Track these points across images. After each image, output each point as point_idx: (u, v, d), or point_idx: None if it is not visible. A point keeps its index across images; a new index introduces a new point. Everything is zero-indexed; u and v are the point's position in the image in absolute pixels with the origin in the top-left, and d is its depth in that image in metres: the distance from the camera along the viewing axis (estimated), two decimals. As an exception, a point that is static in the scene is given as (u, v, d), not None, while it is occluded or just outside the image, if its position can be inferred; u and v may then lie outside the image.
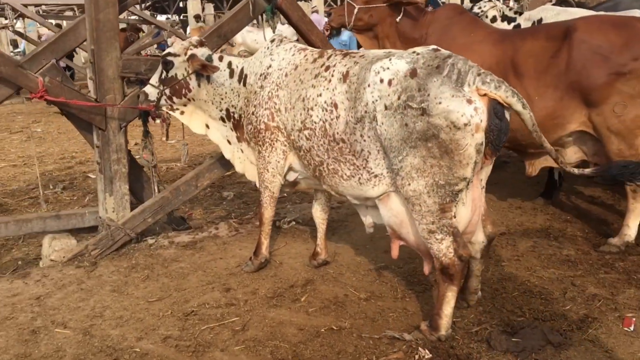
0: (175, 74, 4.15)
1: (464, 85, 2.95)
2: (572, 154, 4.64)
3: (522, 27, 5.70)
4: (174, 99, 4.23)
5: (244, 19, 4.89)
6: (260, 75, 4.00)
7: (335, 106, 3.40)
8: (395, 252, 3.51)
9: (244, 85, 4.13)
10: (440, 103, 2.94)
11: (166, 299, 3.97)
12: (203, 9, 29.12)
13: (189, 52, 4.11)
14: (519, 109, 3.08)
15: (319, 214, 4.43)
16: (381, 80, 3.15)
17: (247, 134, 4.12)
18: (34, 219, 4.64)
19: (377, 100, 3.16)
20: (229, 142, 4.41)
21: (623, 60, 4.07)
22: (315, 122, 3.53)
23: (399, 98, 3.06)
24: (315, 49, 4.02)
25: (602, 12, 5.33)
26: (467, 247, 3.24)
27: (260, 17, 5.11)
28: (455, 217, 3.16)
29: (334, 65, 3.54)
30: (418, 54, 3.15)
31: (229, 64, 4.21)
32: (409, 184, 3.11)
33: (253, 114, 4.01)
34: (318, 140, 3.55)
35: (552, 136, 4.42)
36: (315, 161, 3.66)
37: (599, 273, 4.15)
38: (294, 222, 5.33)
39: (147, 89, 4.26)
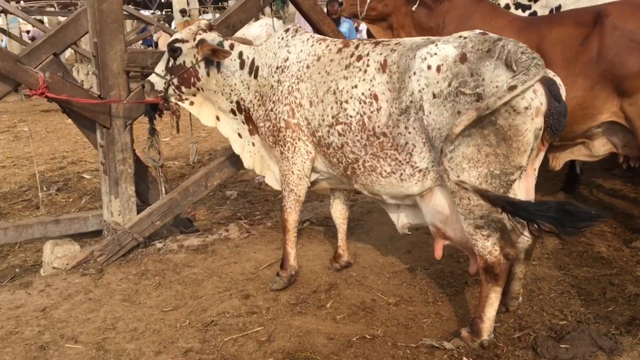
0: (184, 62, 3.88)
1: (514, 66, 2.75)
2: (601, 145, 4.43)
3: (539, 14, 5.49)
4: (183, 88, 3.96)
5: (253, 9, 4.64)
6: (277, 69, 3.73)
7: (376, 97, 3.16)
8: (439, 253, 3.28)
9: (255, 77, 3.85)
10: (497, 87, 2.73)
11: (182, 307, 3.72)
12: (188, 3, 28.76)
13: (198, 37, 3.85)
14: (519, 81, 2.70)
15: (338, 213, 4.20)
16: (429, 67, 2.93)
17: (265, 133, 3.83)
18: (35, 224, 4.35)
19: (424, 89, 2.94)
20: (239, 135, 4.14)
21: None
22: (351, 116, 3.27)
23: (449, 85, 2.86)
24: (336, 39, 3.78)
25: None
26: (514, 245, 3.03)
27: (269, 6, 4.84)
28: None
29: (367, 55, 3.29)
30: (465, 37, 2.95)
31: (240, 54, 3.90)
32: (459, 176, 2.89)
33: (272, 110, 3.73)
34: (354, 136, 3.29)
35: (581, 127, 4.23)
36: (349, 159, 3.40)
37: (635, 271, 3.97)
38: (308, 222, 5.09)
39: (153, 78, 3.98)
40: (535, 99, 2.73)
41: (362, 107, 3.22)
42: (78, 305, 3.80)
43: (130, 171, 4.40)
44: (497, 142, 2.79)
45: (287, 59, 3.70)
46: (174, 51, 3.87)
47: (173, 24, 24.05)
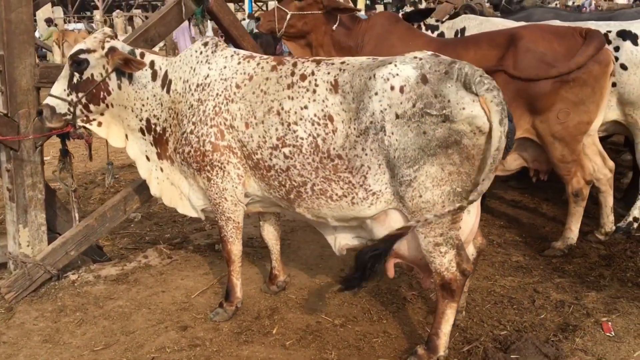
0: (92, 75, 3.50)
1: (472, 88, 2.83)
2: (512, 160, 4.70)
3: (446, 35, 5.75)
4: (91, 106, 3.56)
5: (173, 22, 4.40)
6: (197, 86, 3.48)
7: (331, 119, 3.07)
8: (392, 272, 3.26)
9: (167, 92, 3.57)
10: (464, 109, 2.80)
11: (114, 345, 3.42)
12: (53, 12, 27.12)
13: (107, 45, 3.50)
14: (494, 121, 2.82)
15: (271, 235, 4.06)
16: (392, 88, 2.91)
17: (185, 159, 3.53)
18: None
19: (386, 109, 2.91)
20: (147, 158, 3.79)
21: (567, 69, 4.17)
22: (302, 138, 3.14)
23: (413, 106, 2.86)
24: (264, 56, 3.64)
25: (522, 22, 5.51)
26: (469, 261, 3.11)
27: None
28: (460, 229, 3.02)
29: (312, 74, 3.20)
30: (421, 59, 2.97)
31: (152, 64, 3.60)
32: (421, 196, 2.91)
33: (192, 133, 3.45)
34: (304, 159, 3.16)
35: (498, 144, 4.46)
36: (295, 182, 3.24)
37: (554, 278, 4.23)
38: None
39: (51, 101, 3.51)
40: None
41: (316, 128, 3.11)
42: (-10, 351, 3.37)
43: (40, 197, 3.98)
44: (461, 161, 2.86)
45: (208, 75, 3.48)
46: (79, 64, 3.48)
47: (37, 34, 22.48)
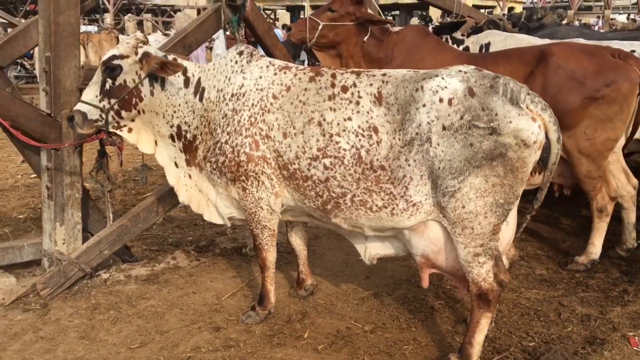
0: (124, 81, 3.47)
1: (519, 104, 2.95)
2: (538, 175, 4.76)
3: (471, 50, 5.84)
4: (123, 112, 3.53)
5: (210, 29, 4.52)
6: (232, 96, 3.50)
7: (376, 130, 3.12)
8: (426, 282, 3.32)
9: (200, 100, 3.60)
10: (510, 122, 2.90)
11: (150, 344, 3.49)
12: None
13: (140, 51, 3.49)
14: (553, 139, 3.08)
15: (299, 240, 4.11)
16: (440, 100, 2.98)
17: (218, 168, 3.56)
18: (-36, 255, 3.88)
19: (433, 121, 2.98)
20: (176, 165, 3.77)
21: (596, 86, 4.25)
22: (345, 150, 3.18)
23: (461, 118, 2.94)
24: (300, 66, 3.71)
25: (546, 39, 5.60)
26: (506, 272, 3.18)
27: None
28: (499, 240, 3.09)
29: (354, 85, 3.26)
30: (466, 72, 3.05)
31: (185, 70, 3.58)
32: (464, 207, 2.98)
33: (226, 143, 3.47)
34: (345, 170, 3.19)
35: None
36: (333, 193, 3.28)
37: (578, 292, 4.28)
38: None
39: (83, 107, 3.48)
40: (540, 134, 2.95)
41: (360, 140, 3.15)
42: (29, 345, 3.43)
43: (77, 196, 4.07)
44: (505, 173, 2.94)
45: (243, 85, 3.50)
46: (112, 70, 3.44)
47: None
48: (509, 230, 3.24)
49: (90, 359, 3.31)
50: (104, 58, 3.49)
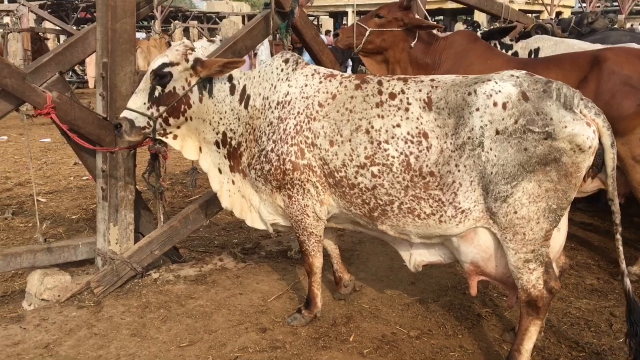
0: (174, 88, 3.48)
1: (573, 109, 2.93)
2: (590, 182, 4.66)
3: (520, 55, 5.77)
4: (170, 120, 3.53)
5: (259, 36, 4.58)
6: (278, 104, 3.53)
7: (425, 136, 3.12)
8: (475, 290, 3.30)
9: (245, 107, 3.63)
10: (565, 127, 2.87)
11: (199, 343, 3.56)
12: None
13: (191, 58, 3.51)
14: (607, 144, 3.04)
15: (328, 241, 4.08)
16: (494, 104, 2.96)
17: (263, 175, 3.58)
18: (24, 252, 4.04)
19: (486, 125, 2.96)
20: (220, 171, 3.80)
21: None
22: (394, 157, 3.17)
23: (515, 122, 2.92)
24: (346, 74, 3.71)
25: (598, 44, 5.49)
26: (557, 279, 3.13)
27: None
28: (550, 246, 3.06)
29: (402, 92, 3.26)
30: (518, 77, 3.04)
31: (230, 77, 3.62)
32: (516, 212, 2.96)
33: (272, 151, 3.48)
34: (394, 177, 3.18)
35: (576, 165, 4.45)
36: (380, 201, 3.27)
37: (630, 302, 4.16)
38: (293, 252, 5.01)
39: (129, 114, 3.48)
40: (595, 139, 2.92)
41: (409, 146, 3.15)
42: (83, 341, 3.55)
43: (131, 197, 4.19)
44: (559, 179, 2.91)
45: (288, 93, 3.53)
46: (162, 77, 3.45)
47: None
48: (560, 236, 3.20)
49: (141, 355, 3.41)
50: (154, 66, 3.49)
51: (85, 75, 19.78)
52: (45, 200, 7.32)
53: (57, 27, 16.79)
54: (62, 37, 21.95)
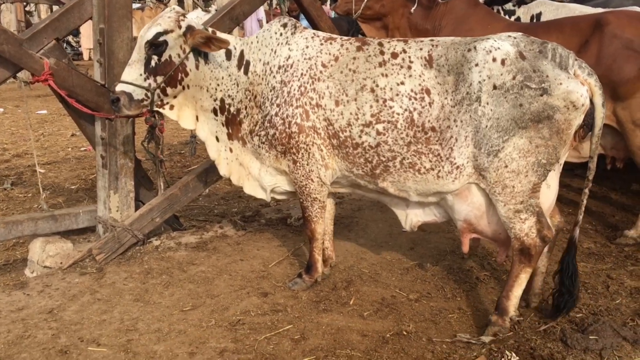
0: (170, 57, 3.38)
1: (567, 68, 3.02)
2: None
3: (522, 20, 5.74)
4: (168, 90, 3.44)
5: (257, 1, 4.54)
6: (279, 68, 3.51)
7: (428, 92, 3.19)
8: (467, 247, 3.39)
9: (245, 73, 3.59)
10: (561, 84, 2.96)
11: (201, 307, 3.60)
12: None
13: (184, 24, 3.40)
14: (598, 103, 3.11)
15: (328, 214, 3.99)
16: (494, 60, 3.05)
17: (269, 141, 3.57)
18: (25, 220, 4.05)
19: (484, 80, 3.05)
20: (217, 139, 3.77)
21: None
22: (399, 114, 3.23)
23: (513, 78, 3.01)
24: (345, 37, 3.71)
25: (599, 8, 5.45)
26: (550, 227, 3.21)
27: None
28: (539, 198, 3.16)
29: (404, 52, 3.30)
30: (515, 38, 3.12)
31: None
32: (507, 166, 3.06)
33: (277, 115, 3.48)
34: (398, 134, 3.24)
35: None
36: (383, 157, 3.33)
37: (627, 265, 4.23)
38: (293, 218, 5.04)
39: (126, 87, 3.34)
40: (587, 98, 3.01)
41: (412, 103, 3.21)
42: (87, 306, 3.59)
43: (130, 165, 4.20)
44: (550, 135, 3.00)
45: (289, 57, 3.51)
46: (158, 46, 3.34)
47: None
48: (550, 193, 3.30)
49: (145, 319, 3.45)
50: (148, 35, 3.36)
51: (80, 47, 19.60)
52: (44, 171, 7.32)
53: (51, -3, 16.57)
54: (55, 9, 21.70)
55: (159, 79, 3.41)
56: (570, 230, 3.37)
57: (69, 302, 3.63)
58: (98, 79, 3.98)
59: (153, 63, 3.39)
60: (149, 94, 3.41)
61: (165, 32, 3.37)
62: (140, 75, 3.38)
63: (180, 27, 3.42)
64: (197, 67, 3.53)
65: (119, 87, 3.37)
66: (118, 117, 3.98)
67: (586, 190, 3.28)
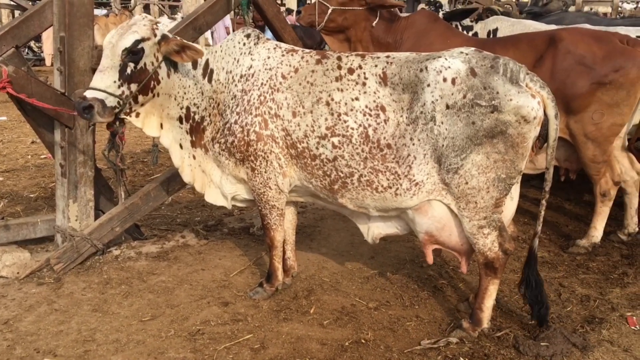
0: (144, 65, 3.36)
1: (519, 82, 3.08)
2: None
3: (479, 35, 5.88)
4: (140, 97, 3.41)
5: (220, 12, 4.57)
6: (241, 77, 3.55)
7: (383, 109, 3.23)
8: (430, 258, 3.45)
9: (209, 82, 3.63)
10: (511, 100, 3.04)
11: (161, 317, 3.59)
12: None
13: (158, 32, 3.40)
14: (551, 115, 3.20)
15: (289, 224, 4.04)
16: (444, 80, 3.10)
17: (227, 149, 3.60)
18: (-20, 230, 3.99)
19: (437, 100, 3.10)
20: (181, 146, 3.77)
21: (605, 71, 4.30)
22: (353, 129, 3.28)
23: (464, 97, 3.07)
24: (306, 50, 3.77)
25: (553, 25, 5.63)
26: (511, 240, 3.32)
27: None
28: (502, 212, 3.26)
29: (360, 67, 3.35)
30: (467, 54, 3.18)
31: None
32: (467, 182, 3.13)
33: (237, 123, 3.52)
34: (353, 149, 3.28)
35: (530, 143, 4.59)
36: (341, 173, 3.36)
37: (578, 274, 4.37)
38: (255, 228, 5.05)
39: (99, 95, 3.25)
40: (540, 110, 3.09)
41: (367, 119, 3.25)
42: (44, 316, 3.55)
43: (90, 174, 4.17)
44: (506, 150, 3.09)
45: (251, 66, 3.56)
46: (135, 54, 3.31)
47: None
48: (512, 204, 3.41)
49: (103, 330, 3.42)
50: (124, 42, 3.29)
51: (42, 52, 19.23)
52: (2, 178, 7.17)
53: (12, 2, 16.25)
54: (17, 13, 21.29)
55: (133, 86, 3.38)
56: (530, 241, 3.48)
57: (25, 312, 3.58)
58: (58, 87, 3.94)
59: (129, 70, 3.34)
60: (122, 102, 3.36)
61: (143, 40, 3.34)
62: (114, 82, 3.32)
63: (155, 35, 3.42)
64: (168, 75, 3.54)
65: (90, 94, 3.28)
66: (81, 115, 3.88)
67: (543, 202, 3.38)
